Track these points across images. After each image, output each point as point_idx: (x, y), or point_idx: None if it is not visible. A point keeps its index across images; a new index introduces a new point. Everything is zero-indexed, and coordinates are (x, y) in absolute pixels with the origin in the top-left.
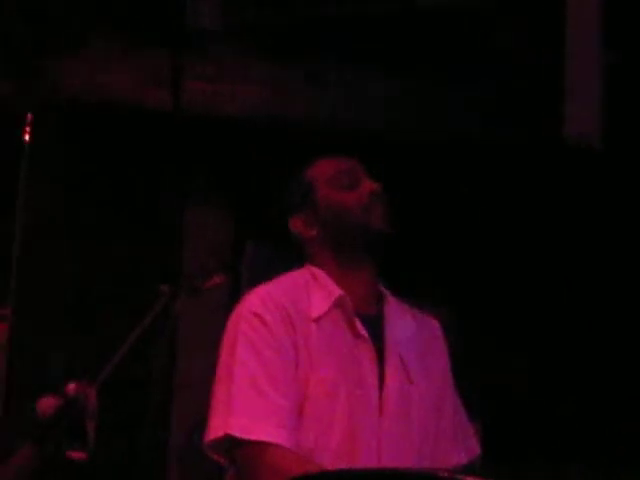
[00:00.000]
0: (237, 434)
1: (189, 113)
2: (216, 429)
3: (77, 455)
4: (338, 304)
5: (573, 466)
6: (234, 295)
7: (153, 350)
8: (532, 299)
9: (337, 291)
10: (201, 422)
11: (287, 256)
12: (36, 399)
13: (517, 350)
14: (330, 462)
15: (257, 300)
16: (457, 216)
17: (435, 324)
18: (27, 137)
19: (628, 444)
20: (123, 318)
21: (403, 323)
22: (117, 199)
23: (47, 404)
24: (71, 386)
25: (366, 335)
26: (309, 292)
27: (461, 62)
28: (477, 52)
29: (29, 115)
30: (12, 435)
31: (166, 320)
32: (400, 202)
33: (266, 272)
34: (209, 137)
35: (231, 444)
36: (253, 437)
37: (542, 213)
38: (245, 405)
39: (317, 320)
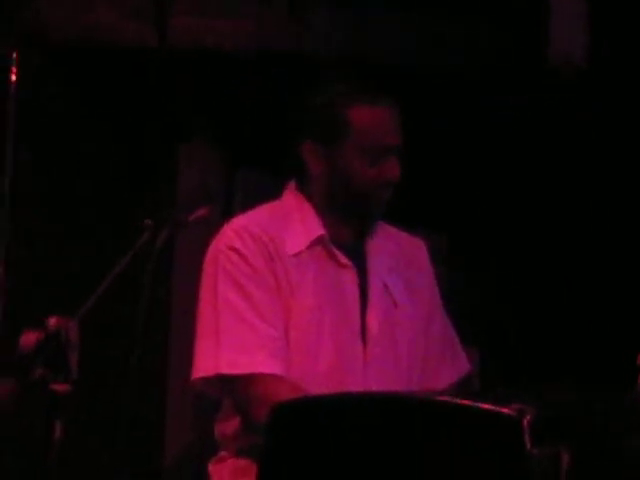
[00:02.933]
0: (227, 371)
1: (174, 48)
2: (206, 368)
3: (60, 387)
4: (317, 242)
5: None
6: None
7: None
8: (526, 228)
9: (318, 229)
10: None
11: (280, 185)
12: (19, 334)
13: (512, 280)
14: (318, 389)
15: (234, 234)
16: (451, 145)
17: (420, 245)
18: (13, 77)
19: (614, 367)
20: (111, 254)
21: (387, 249)
22: (106, 137)
23: (28, 338)
24: (52, 320)
25: (348, 263)
26: (288, 225)
27: None
28: None
29: (14, 53)
30: None
31: (150, 255)
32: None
33: (259, 202)
34: (196, 72)
35: (224, 381)
36: (243, 371)
37: (530, 135)
38: (233, 340)
39: (295, 255)
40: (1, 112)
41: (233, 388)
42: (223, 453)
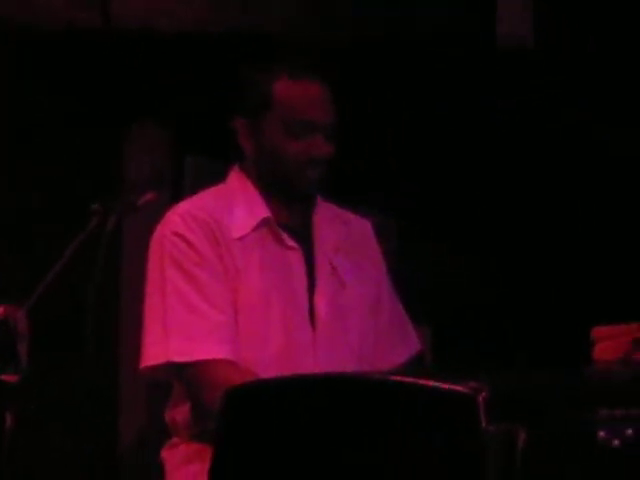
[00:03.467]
0: (178, 359)
1: (120, 30)
2: (155, 356)
3: (9, 378)
4: (262, 224)
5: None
6: None
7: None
8: (476, 201)
9: (263, 212)
10: None
11: (227, 169)
12: None
13: (462, 255)
14: (267, 373)
15: (178, 219)
16: (395, 119)
17: (366, 225)
18: None
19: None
20: (59, 239)
21: (332, 229)
22: (54, 120)
23: None
24: None
25: (295, 245)
26: (233, 209)
27: None
28: None
29: None
30: None
31: (99, 239)
32: (341, 103)
33: (209, 186)
34: (143, 54)
35: (174, 369)
36: (194, 358)
37: (477, 113)
38: (182, 327)
39: (241, 239)
40: None
41: (183, 375)
42: (175, 439)
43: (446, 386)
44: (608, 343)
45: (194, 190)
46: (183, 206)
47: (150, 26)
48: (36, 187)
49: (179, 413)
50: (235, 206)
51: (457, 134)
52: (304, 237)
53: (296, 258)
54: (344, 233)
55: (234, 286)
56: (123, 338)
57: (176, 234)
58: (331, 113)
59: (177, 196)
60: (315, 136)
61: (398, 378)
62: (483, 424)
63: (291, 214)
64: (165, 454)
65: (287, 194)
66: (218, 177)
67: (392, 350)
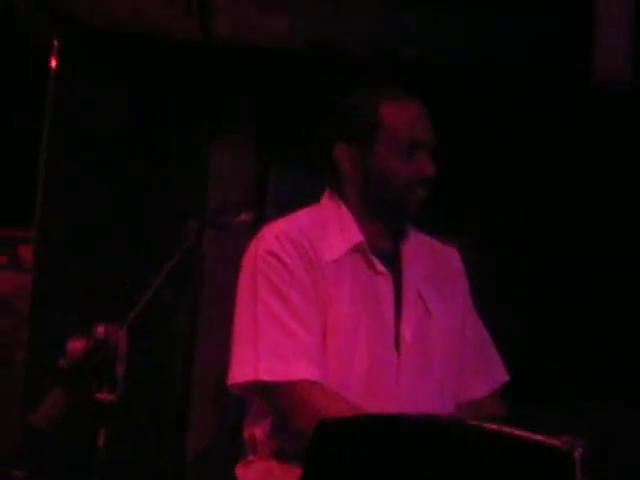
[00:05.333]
0: (268, 378)
1: (217, 44)
2: (244, 373)
3: (106, 398)
4: (356, 249)
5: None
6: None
7: (180, 290)
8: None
9: (356, 237)
10: (224, 366)
11: (312, 190)
12: (63, 340)
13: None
14: (351, 396)
15: (272, 239)
16: (479, 146)
17: (454, 255)
18: (54, 64)
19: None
20: (150, 256)
21: (421, 258)
22: (144, 131)
23: (76, 347)
24: (100, 328)
25: (385, 271)
26: (327, 232)
27: None
28: None
29: (55, 42)
30: (40, 377)
31: (193, 258)
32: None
33: (292, 206)
34: (237, 69)
35: (260, 388)
36: (283, 378)
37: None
38: (272, 346)
39: (333, 262)
40: (41, 99)
41: (271, 394)
42: (251, 456)
43: (543, 440)
44: None
45: (276, 205)
46: (278, 225)
47: (243, 40)
48: (124, 198)
49: (259, 430)
50: (329, 229)
51: (550, 167)
52: (394, 264)
53: (385, 284)
54: (432, 261)
55: (324, 308)
56: (198, 352)
57: (271, 253)
58: (433, 131)
59: (260, 212)
60: (421, 155)
61: (494, 427)
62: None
63: (383, 240)
64: (240, 471)
65: (391, 215)
66: (300, 193)
67: (476, 381)
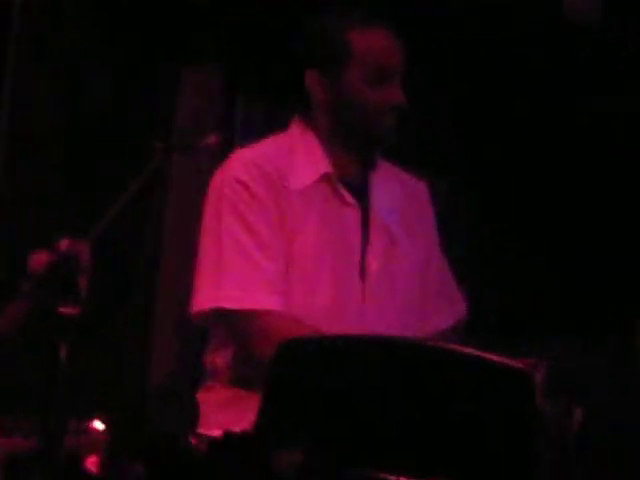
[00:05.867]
0: (230, 306)
1: None
2: (206, 300)
3: (69, 311)
4: (323, 179)
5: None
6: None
7: (146, 211)
8: (530, 179)
9: (324, 167)
10: (188, 294)
11: (284, 116)
12: (25, 252)
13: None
14: (316, 323)
15: (240, 166)
16: (461, 90)
17: (422, 187)
18: None
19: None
20: (115, 174)
21: (390, 189)
22: (111, 58)
23: (39, 260)
24: (63, 242)
25: (352, 202)
26: (294, 160)
27: None
28: None
29: None
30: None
31: (159, 179)
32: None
33: (260, 132)
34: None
35: (221, 315)
36: (245, 306)
37: (541, 88)
38: (235, 275)
39: (300, 191)
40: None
41: (232, 322)
42: (211, 383)
43: (504, 361)
44: None
45: (245, 133)
46: (245, 152)
47: None
48: (93, 120)
49: (220, 357)
50: (297, 158)
51: (515, 105)
52: (361, 194)
53: (353, 214)
54: (400, 192)
55: (290, 237)
56: (161, 281)
57: (237, 180)
58: (404, 60)
59: (229, 140)
60: (392, 84)
61: (457, 347)
62: (540, 401)
63: (351, 170)
64: (201, 397)
65: (363, 144)
66: (269, 121)
67: (438, 313)
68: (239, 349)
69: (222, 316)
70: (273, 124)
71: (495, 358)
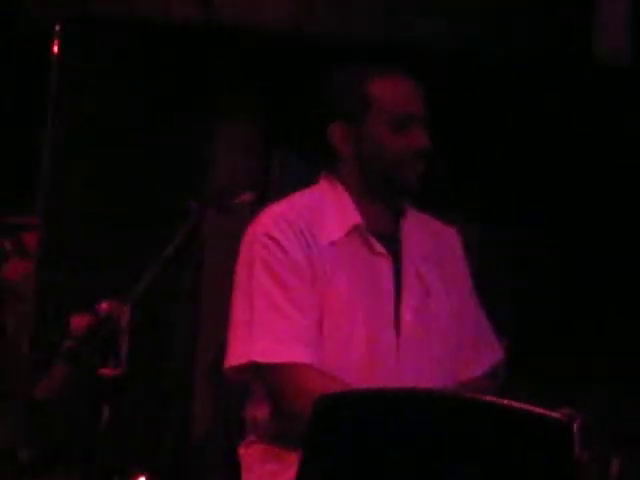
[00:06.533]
0: (262, 359)
1: (218, 26)
2: (239, 355)
3: (110, 372)
4: (353, 230)
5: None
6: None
7: (182, 269)
8: (559, 216)
9: (354, 218)
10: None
11: (316, 170)
12: (68, 316)
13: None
14: (350, 378)
15: (270, 222)
16: (486, 131)
17: (453, 234)
18: (55, 49)
19: None
20: (152, 236)
21: (421, 238)
22: (145, 115)
23: (80, 322)
24: (103, 304)
25: (384, 251)
26: (324, 214)
27: None
28: None
29: (57, 27)
30: (46, 352)
31: (195, 238)
32: (434, 114)
33: (295, 188)
34: (238, 51)
35: (256, 369)
36: (277, 360)
37: (570, 128)
38: (266, 328)
39: (331, 244)
40: (43, 84)
41: (266, 376)
42: (252, 437)
43: (541, 412)
44: None
45: (280, 187)
46: (275, 208)
47: (244, 23)
48: (129, 181)
49: (260, 411)
50: (327, 211)
51: (553, 149)
52: (393, 244)
53: (384, 264)
54: (431, 240)
55: (322, 290)
56: (201, 334)
57: (267, 236)
58: (425, 106)
59: (264, 194)
60: (415, 129)
61: (493, 400)
62: (577, 451)
63: (381, 221)
64: (243, 451)
65: (391, 193)
66: (305, 175)
67: (474, 360)
68: (273, 403)
69: (255, 370)
70: (308, 177)
71: (533, 409)
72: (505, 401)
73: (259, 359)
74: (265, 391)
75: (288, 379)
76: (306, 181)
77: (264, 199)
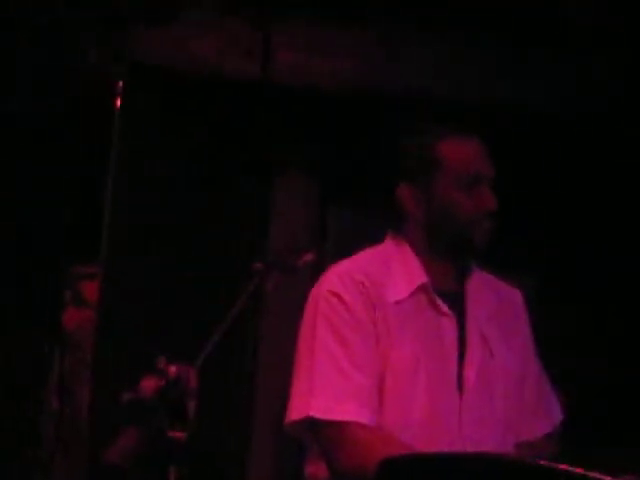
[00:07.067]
0: (319, 415)
1: (277, 85)
2: (298, 411)
3: (178, 435)
4: (419, 290)
5: None
6: (319, 272)
7: (246, 330)
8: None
9: (421, 277)
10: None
11: (373, 228)
12: (131, 376)
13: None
14: (411, 439)
15: (336, 279)
16: (545, 188)
17: (517, 295)
18: (118, 104)
19: None
20: (215, 297)
21: (485, 298)
22: (206, 174)
23: (149, 386)
24: (172, 368)
25: (448, 312)
26: (390, 272)
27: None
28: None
29: (120, 82)
30: (108, 414)
31: (258, 299)
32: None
33: (351, 246)
34: (297, 109)
35: (313, 425)
36: (335, 417)
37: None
38: (326, 386)
39: (397, 303)
40: (105, 139)
41: (319, 433)
42: None
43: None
44: None
45: (337, 250)
46: (342, 266)
47: (302, 82)
48: (189, 238)
49: (321, 468)
50: (393, 270)
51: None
52: (457, 303)
53: (449, 325)
54: (495, 301)
55: (386, 350)
56: (259, 390)
57: (332, 293)
58: (492, 166)
59: (320, 251)
60: (483, 189)
61: (563, 468)
62: None
63: (446, 280)
64: None
65: (458, 252)
66: (360, 232)
67: (535, 422)
68: (327, 461)
69: (312, 426)
70: (364, 238)
71: (595, 475)
72: (573, 467)
73: (316, 415)
74: (319, 451)
75: (344, 437)
76: (362, 241)
77: (321, 258)
